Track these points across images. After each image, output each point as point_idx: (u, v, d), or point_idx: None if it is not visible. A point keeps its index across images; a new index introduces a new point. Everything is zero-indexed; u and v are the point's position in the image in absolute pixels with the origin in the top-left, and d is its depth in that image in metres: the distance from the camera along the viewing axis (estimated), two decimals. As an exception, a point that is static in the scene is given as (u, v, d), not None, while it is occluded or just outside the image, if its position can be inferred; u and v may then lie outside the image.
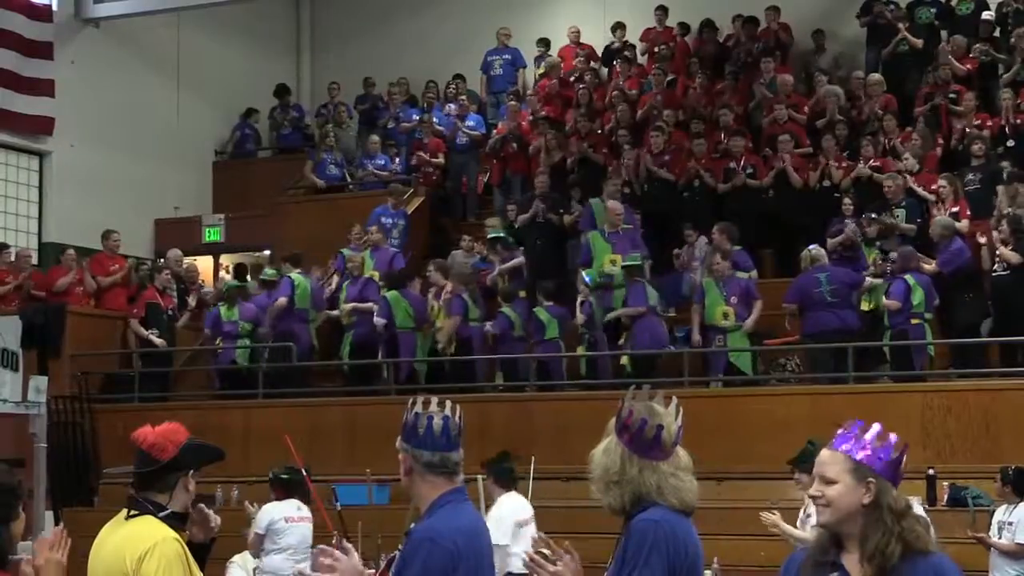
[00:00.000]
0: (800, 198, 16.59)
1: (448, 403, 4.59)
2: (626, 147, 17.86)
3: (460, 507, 4.58)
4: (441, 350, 15.84)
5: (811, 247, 14.55)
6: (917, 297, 13.82)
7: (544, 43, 21.56)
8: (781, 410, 13.40)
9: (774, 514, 9.32)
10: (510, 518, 10.22)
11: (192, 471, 5.21)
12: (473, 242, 17.56)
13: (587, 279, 15.52)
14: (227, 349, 16.77)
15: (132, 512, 5.15)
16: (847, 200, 15.66)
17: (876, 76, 17.76)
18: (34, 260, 18.36)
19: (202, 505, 5.42)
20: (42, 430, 14.46)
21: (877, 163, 16.24)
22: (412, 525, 4.58)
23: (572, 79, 20.55)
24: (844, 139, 16.88)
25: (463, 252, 17.39)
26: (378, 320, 15.98)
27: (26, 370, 15.65)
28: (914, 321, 13.89)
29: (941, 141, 16.68)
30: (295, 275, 16.66)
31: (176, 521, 5.16)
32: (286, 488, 11.37)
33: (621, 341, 15.27)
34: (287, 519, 11.18)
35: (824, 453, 4.04)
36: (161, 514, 5.11)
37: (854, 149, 16.65)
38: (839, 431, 4.07)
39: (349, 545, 4.55)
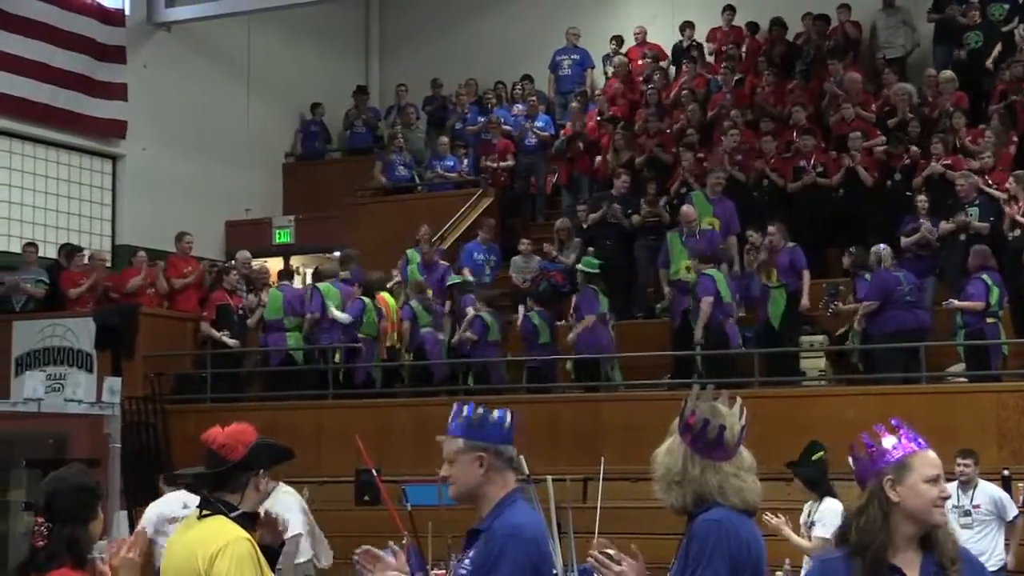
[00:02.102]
0: (871, 197, 16.43)
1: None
2: (681, 150, 17.78)
3: (525, 504, 4.62)
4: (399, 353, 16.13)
5: (882, 247, 14.38)
6: (994, 296, 13.67)
7: (617, 40, 21.47)
8: (852, 411, 13.28)
9: (779, 517, 9.27)
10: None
11: (262, 471, 5.26)
12: (530, 245, 17.61)
13: None
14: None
15: (204, 512, 5.20)
16: (921, 198, 15.47)
17: (948, 73, 17.51)
18: (107, 262, 18.53)
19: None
20: (116, 431, 14.59)
21: (948, 161, 16.06)
22: (486, 523, 4.55)
23: (639, 78, 20.49)
24: (916, 136, 16.71)
25: (522, 257, 17.43)
26: (343, 316, 16.14)
27: (100, 371, 15.84)
28: (989, 320, 13.73)
29: (1015, 139, 16.46)
30: (272, 289, 17.10)
31: (247, 521, 5.20)
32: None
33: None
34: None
35: (935, 456, 4.04)
36: (232, 514, 5.16)
37: (926, 147, 16.47)
38: (915, 432, 4.05)
39: (396, 548, 4.56)
